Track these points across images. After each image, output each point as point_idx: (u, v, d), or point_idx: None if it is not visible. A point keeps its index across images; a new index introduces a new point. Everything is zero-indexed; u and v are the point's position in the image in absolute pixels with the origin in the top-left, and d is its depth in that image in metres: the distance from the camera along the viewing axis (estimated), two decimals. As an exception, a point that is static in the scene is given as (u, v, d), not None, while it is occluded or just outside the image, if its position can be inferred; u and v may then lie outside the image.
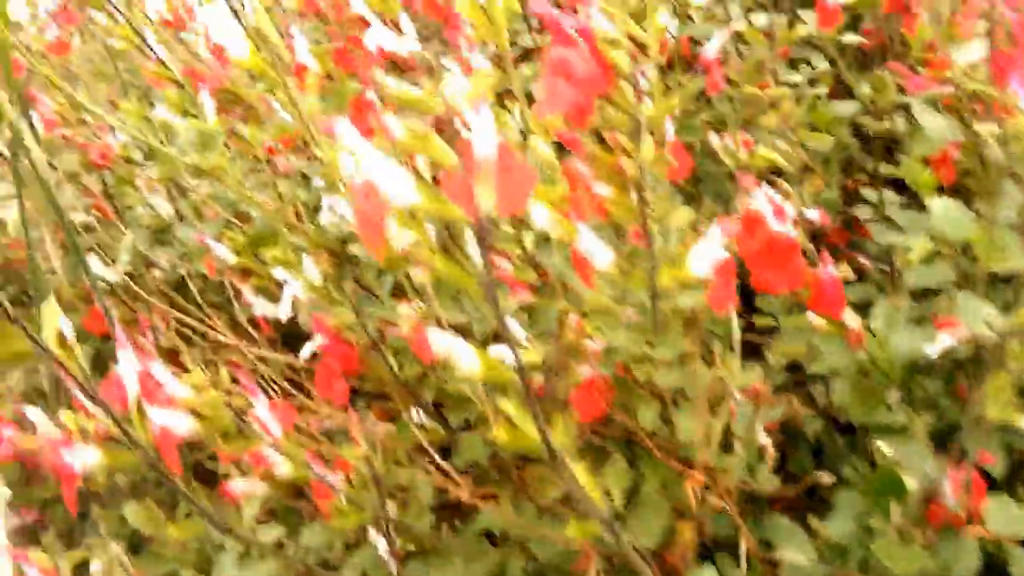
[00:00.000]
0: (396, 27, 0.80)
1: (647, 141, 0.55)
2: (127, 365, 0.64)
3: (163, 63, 1.03)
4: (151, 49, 1.06)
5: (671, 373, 0.67)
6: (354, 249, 0.78)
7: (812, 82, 1.03)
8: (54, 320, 0.61)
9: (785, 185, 0.87)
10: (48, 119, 1.21)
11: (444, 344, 0.54)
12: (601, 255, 0.64)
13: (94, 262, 1.38)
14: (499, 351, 0.56)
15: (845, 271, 0.74)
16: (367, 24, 1.14)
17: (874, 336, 0.76)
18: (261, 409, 0.70)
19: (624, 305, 0.64)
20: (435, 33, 0.95)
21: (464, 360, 0.54)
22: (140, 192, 1.24)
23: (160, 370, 0.66)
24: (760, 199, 0.66)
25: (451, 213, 0.44)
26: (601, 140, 0.57)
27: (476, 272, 0.47)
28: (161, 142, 0.79)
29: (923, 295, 0.84)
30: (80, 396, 0.65)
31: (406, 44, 0.78)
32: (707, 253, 0.61)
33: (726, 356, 0.70)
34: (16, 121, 0.82)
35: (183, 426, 0.65)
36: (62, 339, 0.62)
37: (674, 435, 0.71)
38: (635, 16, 0.57)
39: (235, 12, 0.67)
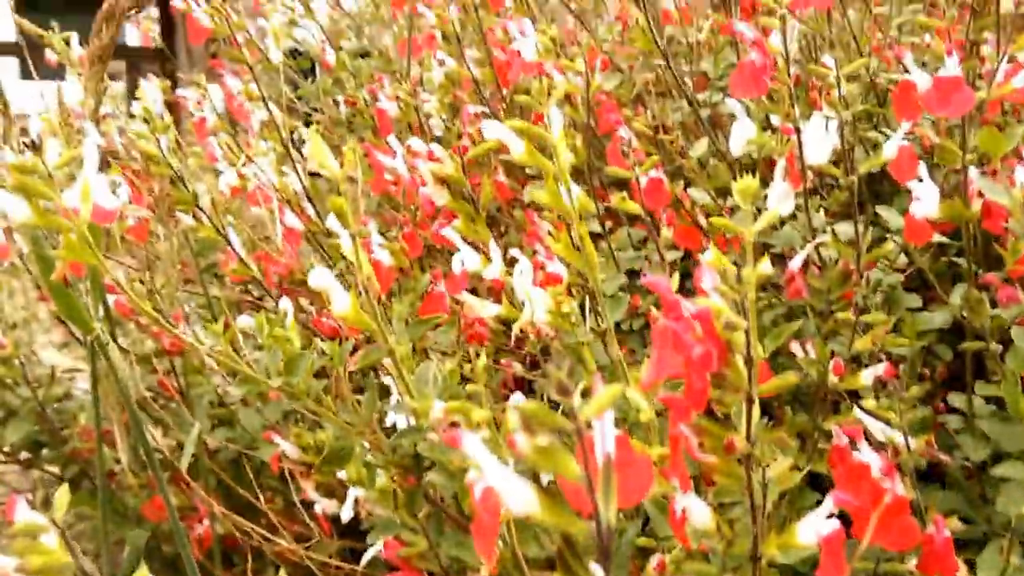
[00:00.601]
0: (485, 251, 0.80)
1: (756, 415, 0.53)
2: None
3: (244, 262, 1.04)
4: (230, 245, 1.08)
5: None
6: (434, 477, 0.76)
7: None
8: None
9: (879, 409, 0.84)
10: (123, 306, 1.23)
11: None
12: (700, 514, 0.60)
13: (153, 437, 1.38)
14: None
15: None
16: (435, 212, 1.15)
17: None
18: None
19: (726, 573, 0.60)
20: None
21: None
22: (208, 376, 1.24)
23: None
24: (865, 452, 0.63)
25: (573, 526, 0.42)
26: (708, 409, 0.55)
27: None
28: (246, 360, 0.78)
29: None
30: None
31: (493, 270, 0.78)
32: (818, 524, 0.58)
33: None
34: (98, 325, 0.83)
35: None
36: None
37: None
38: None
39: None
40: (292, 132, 2.04)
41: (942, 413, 1.06)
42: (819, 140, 0.86)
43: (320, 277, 0.55)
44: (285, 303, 0.97)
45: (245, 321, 0.90)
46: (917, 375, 1.06)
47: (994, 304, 0.95)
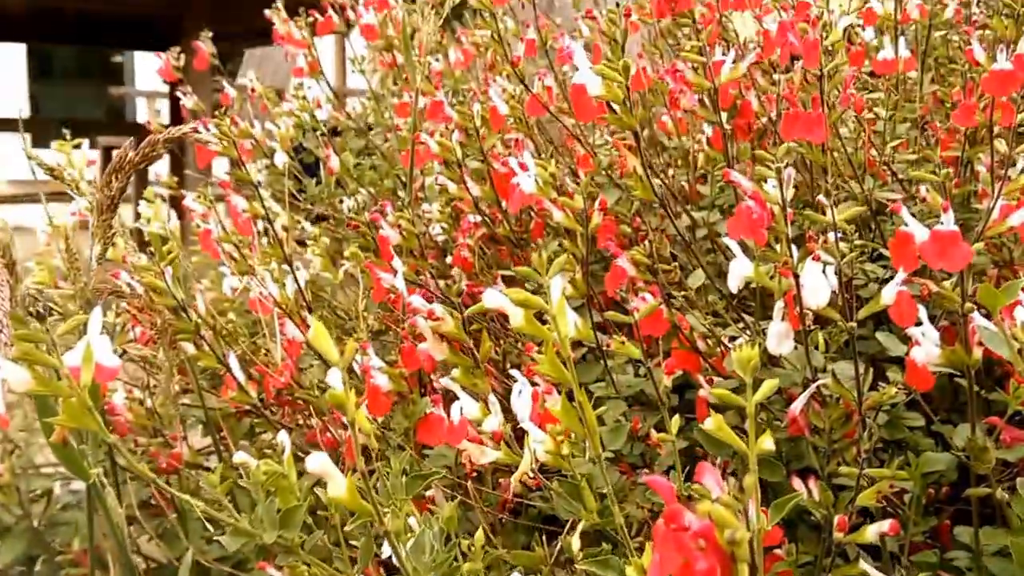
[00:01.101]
0: (484, 401, 0.80)
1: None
2: None
3: (243, 389, 1.04)
4: (230, 372, 1.08)
5: None
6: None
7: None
8: None
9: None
10: (121, 424, 1.22)
11: None
12: None
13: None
14: None
15: None
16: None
17: None
18: None
19: None
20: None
21: None
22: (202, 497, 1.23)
23: None
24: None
25: None
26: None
27: None
28: (240, 510, 0.77)
29: None
30: None
31: (493, 422, 0.78)
32: None
33: None
34: (98, 475, 0.82)
35: None
36: None
37: None
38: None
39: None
40: (296, 229, 2.07)
41: (947, 546, 1.05)
42: (817, 284, 0.87)
43: (317, 462, 0.55)
44: (283, 436, 0.96)
45: (242, 457, 0.89)
46: (922, 508, 1.05)
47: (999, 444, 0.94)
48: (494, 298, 0.62)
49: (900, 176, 1.43)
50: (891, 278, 1.29)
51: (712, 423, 0.65)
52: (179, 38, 4.79)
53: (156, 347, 0.99)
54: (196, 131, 0.93)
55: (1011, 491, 0.89)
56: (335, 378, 0.62)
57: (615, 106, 0.84)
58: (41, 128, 6.21)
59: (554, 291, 0.62)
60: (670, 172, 1.60)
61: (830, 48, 1.13)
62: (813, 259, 0.85)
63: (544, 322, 0.64)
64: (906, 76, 1.53)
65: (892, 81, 1.55)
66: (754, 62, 1.09)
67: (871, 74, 1.58)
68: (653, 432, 1.11)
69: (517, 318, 0.61)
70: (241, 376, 1.05)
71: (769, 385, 0.64)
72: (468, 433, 0.80)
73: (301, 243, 2.07)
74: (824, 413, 0.94)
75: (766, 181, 0.86)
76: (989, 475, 0.88)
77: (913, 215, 1.21)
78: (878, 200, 1.36)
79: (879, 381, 1.10)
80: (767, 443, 0.60)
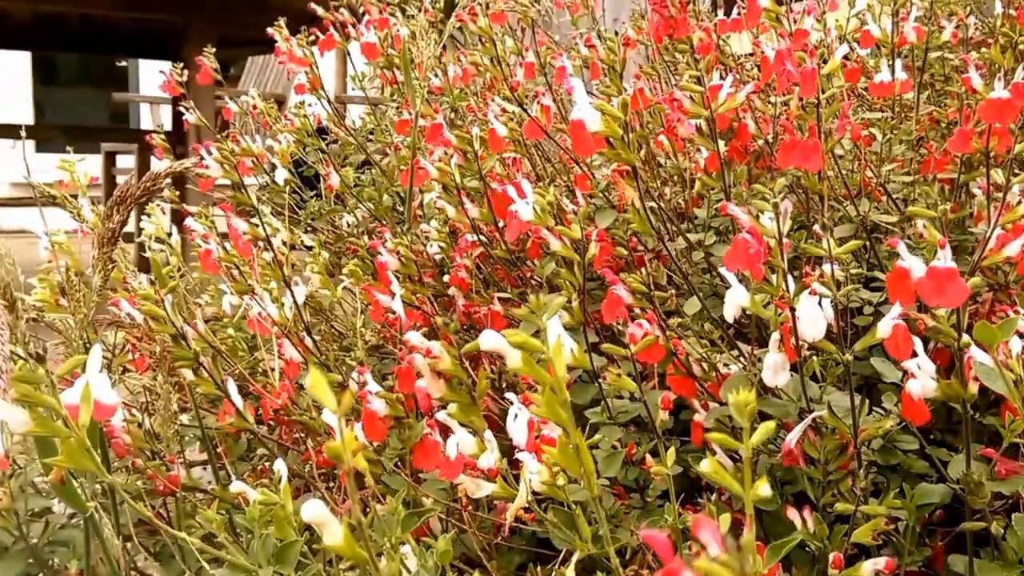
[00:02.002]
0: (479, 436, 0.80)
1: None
2: None
3: (241, 414, 1.05)
4: (229, 398, 1.08)
5: None
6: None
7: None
8: None
9: None
10: (120, 446, 1.23)
11: None
12: None
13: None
14: None
15: None
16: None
17: None
18: None
19: None
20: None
21: None
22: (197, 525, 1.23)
23: None
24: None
25: None
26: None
27: None
28: (237, 534, 0.78)
29: None
30: None
31: (489, 459, 0.78)
32: None
33: None
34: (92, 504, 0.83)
35: None
36: None
37: None
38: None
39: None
40: (294, 246, 2.07)
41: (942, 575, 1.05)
42: (814, 316, 0.88)
43: (312, 512, 0.55)
44: (280, 465, 0.97)
45: (239, 487, 0.89)
46: (917, 538, 1.05)
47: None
48: (491, 340, 0.63)
49: (896, 196, 1.44)
50: (886, 302, 1.29)
51: (708, 466, 0.65)
52: (183, 46, 4.83)
53: (155, 372, 0.99)
54: (198, 165, 0.93)
55: (1007, 523, 0.89)
56: (331, 419, 0.63)
57: (614, 141, 0.84)
58: (45, 133, 6.23)
59: (551, 333, 0.62)
60: (667, 190, 1.61)
61: (827, 76, 1.14)
62: (810, 293, 0.85)
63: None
64: (902, 97, 1.54)
65: (888, 102, 1.56)
66: (752, 91, 1.10)
67: (867, 88, 1.59)
68: (648, 457, 1.12)
69: (515, 360, 0.61)
70: (239, 402, 1.05)
71: (765, 428, 0.65)
72: (463, 468, 0.80)
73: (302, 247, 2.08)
74: (819, 444, 0.95)
75: (763, 213, 0.87)
76: (984, 508, 0.89)
77: (909, 239, 1.22)
78: (874, 221, 1.37)
79: (874, 405, 1.11)
80: (763, 489, 0.60)
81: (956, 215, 1.31)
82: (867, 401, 0.93)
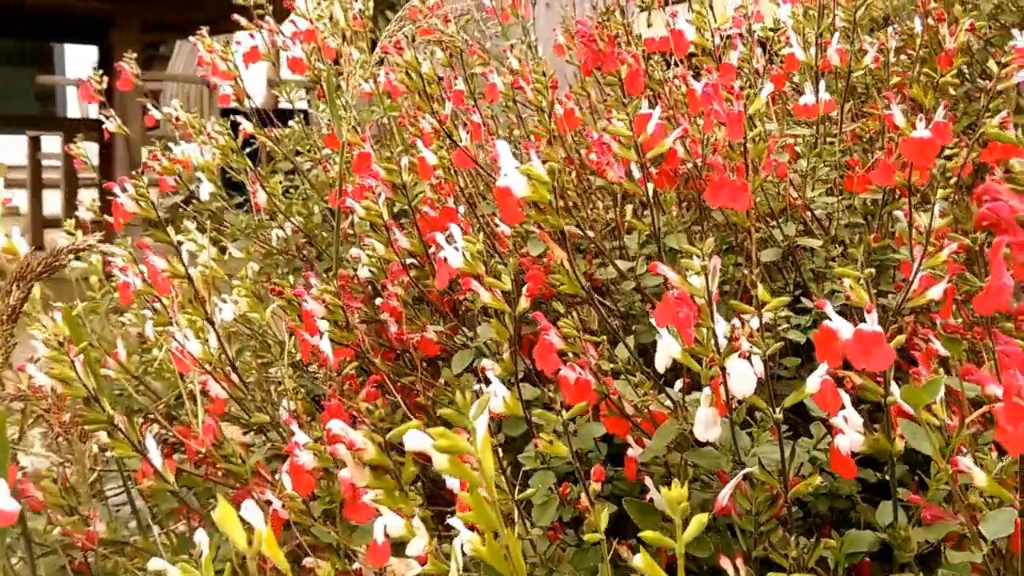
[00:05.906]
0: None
1: None
2: None
3: (160, 475, 1.01)
4: (148, 459, 1.04)
5: None
6: None
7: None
8: None
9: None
10: (34, 501, 1.17)
11: None
12: None
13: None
14: None
15: None
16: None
17: None
18: None
19: None
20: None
21: None
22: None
23: None
24: None
25: None
26: None
27: None
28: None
29: None
30: None
31: (418, 545, 0.76)
32: None
33: None
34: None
35: None
36: None
37: None
38: None
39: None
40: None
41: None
42: (744, 375, 0.87)
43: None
44: (200, 536, 0.93)
45: (158, 565, 0.86)
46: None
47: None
48: (416, 440, 0.60)
49: (819, 214, 1.46)
50: (814, 325, 1.30)
51: (641, 561, 0.64)
52: (110, 31, 4.67)
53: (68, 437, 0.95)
54: (101, 242, 0.89)
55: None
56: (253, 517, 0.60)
57: (542, 206, 0.82)
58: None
59: (479, 432, 0.61)
60: (599, 204, 1.59)
61: (753, 116, 1.14)
62: (740, 356, 0.85)
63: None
64: (827, 116, 1.55)
65: (812, 122, 1.57)
66: (680, 136, 1.09)
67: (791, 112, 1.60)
68: (583, 498, 1.11)
69: (441, 462, 0.59)
70: (159, 462, 1.01)
71: (698, 522, 0.64)
72: (390, 553, 0.78)
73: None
74: (751, 495, 0.95)
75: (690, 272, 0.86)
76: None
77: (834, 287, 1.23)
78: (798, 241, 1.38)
79: (809, 437, 1.12)
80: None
81: (879, 244, 1.33)
82: (795, 448, 0.94)
